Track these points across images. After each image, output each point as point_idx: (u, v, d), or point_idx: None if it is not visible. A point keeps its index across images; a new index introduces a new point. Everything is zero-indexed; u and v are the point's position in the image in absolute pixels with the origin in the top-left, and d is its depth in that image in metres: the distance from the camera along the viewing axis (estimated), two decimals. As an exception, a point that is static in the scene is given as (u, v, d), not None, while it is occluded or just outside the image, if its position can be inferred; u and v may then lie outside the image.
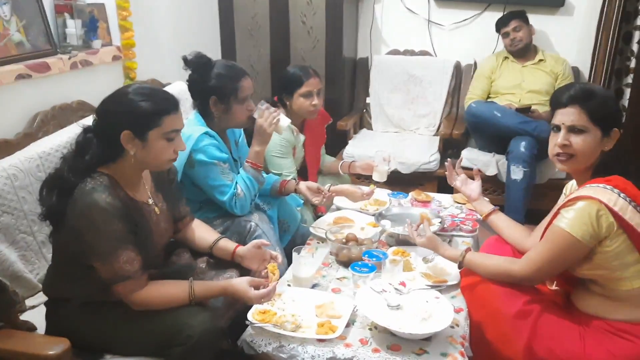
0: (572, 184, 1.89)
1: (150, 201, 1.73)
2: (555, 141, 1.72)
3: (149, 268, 1.63)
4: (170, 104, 1.62)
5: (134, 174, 1.66)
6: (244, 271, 1.88)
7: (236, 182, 2.18)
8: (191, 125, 2.19)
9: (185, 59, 2.19)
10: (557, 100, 1.74)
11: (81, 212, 1.51)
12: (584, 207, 1.59)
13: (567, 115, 1.70)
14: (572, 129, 1.69)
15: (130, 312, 1.60)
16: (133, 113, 1.56)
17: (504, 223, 2.08)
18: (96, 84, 2.61)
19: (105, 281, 1.56)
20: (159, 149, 1.60)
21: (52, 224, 1.61)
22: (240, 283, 1.67)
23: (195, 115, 2.26)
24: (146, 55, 3.06)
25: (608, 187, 1.60)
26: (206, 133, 2.15)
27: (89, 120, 2.19)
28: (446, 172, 2.29)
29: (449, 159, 2.36)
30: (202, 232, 1.94)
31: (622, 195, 1.58)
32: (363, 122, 4.23)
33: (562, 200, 1.86)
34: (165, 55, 3.29)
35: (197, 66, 2.20)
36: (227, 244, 1.90)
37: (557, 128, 1.72)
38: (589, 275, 1.67)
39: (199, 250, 1.92)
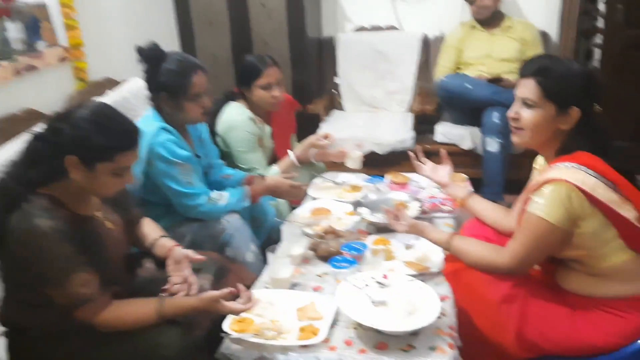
0: (540, 157, 1.84)
1: (100, 215, 1.62)
2: None
3: (110, 285, 1.54)
4: (128, 140, 1.48)
5: (79, 193, 1.54)
6: (218, 277, 1.79)
7: (206, 190, 2.10)
8: (146, 121, 2.09)
9: (139, 50, 2.08)
10: (521, 70, 1.71)
11: (23, 241, 1.39)
12: (554, 190, 1.54)
13: (522, 87, 1.67)
14: (524, 101, 1.66)
15: (99, 336, 1.50)
16: (85, 142, 1.42)
17: (480, 206, 2.03)
18: (44, 90, 2.48)
19: (63, 307, 1.46)
20: (105, 183, 1.49)
21: None
22: (212, 299, 1.56)
23: (150, 111, 2.16)
24: (97, 54, 2.91)
25: (575, 165, 1.56)
26: (163, 128, 2.05)
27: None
28: (415, 161, 2.25)
29: (410, 152, 2.30)
30: (147, 229, 1.83)
31: (590, 172, 1.54)
32: (334, 104, 4.15)
33: (533, 175, 1.82)
34: (118, 51, 3.13)
35: (149, 59, 2.10)
36: (166, 242, 1.78)
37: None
38: (570, 256, 1.64)
39: (143, 251, 1.81)
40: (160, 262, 1.79)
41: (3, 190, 1.45)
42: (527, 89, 1.65)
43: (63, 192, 1.49)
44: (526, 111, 1.65)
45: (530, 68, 1.66)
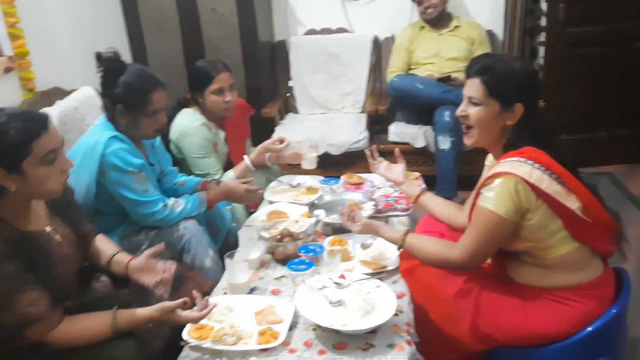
0: (491, 155, 1.89)
1: (48, 229, 1.57)
2: None
3: (62, 300, 1.50)
4: (36, 125, 1.42)
5: (20, 207, 1.50)
6: (176, 286, 1.77)
7: (161, 197, 2.08)
8: (97, 130, 2.05)
9: (97, 56, 2.01)
10: (466, 70, 1.76)
11: None
12: (502, 183, 1.59)
13: (469, 86, 1.73)
14: (470, 100, 1.72)
15: (50, 354, 1.46)
16: None
17: (433, 203, 2.08)
18: (-9, 100, 2.40)
19: (12, 328, 1.41)
20: (42, 177, 1.44)
21: None
22: (166, 309, 1.53)
23: (101, 119, 2.11)
24: (44, 63, 2.84)
25: (522, 159, 1.60)
26: (115, 137, 2.01)
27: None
28: (369, 160, 2.28)
29: (365, 150, 2.33)
30: (103, 246, 1.79)
31: (536, 165, 1.59)
32: (288, 107, 4.16)
33: (484, 172, 1.87)
34: (66, 60, 3.06)
35: (107, 69, 2.03)
36: (122, 258, 1.75)
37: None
38: (519, 248, 1.69)
39: (100, 268, 1.78)
40: (116, 278, 1.77)
41: None
42: (473, 88, 1.70)
43: (5, 210, 1.45)
44: (473, 109, 1.71)
45: (474, 68, 1.72)
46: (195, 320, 1.55)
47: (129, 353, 1.46)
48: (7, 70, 2.58)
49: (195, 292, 1.59)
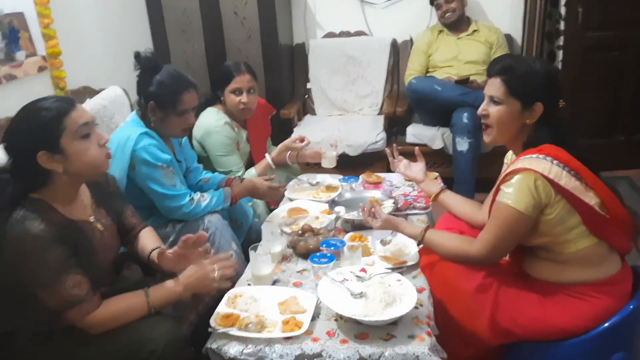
0: (510, 152, 1.92)
1: (92, 219, 1.65)
2: None
3: (98, 287, 1.57)
4: (64, 104, 1.51)
5: (69, 192, 1.58)
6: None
7: (188, 191, 2.14)
8: (128, 127, 2.13)
9: (136, 55, 2.11)
10: (487, 70, 1.80)
11: (15, 244, 1.43)
12: (521, 179, 1.61)
13: (490, 86, 1.76)
14: (491, 99, 1.75)
15: (87, 335, 1.53)
16: (34, 132, 1.46)
17: (453, 200, 2.11)
18: (24, 98, 2.41)
19: (54, 309, 1.48)
20: (82, 152, 1.51)
21: None
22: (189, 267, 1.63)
23: (133, 116, 2.19)
24: (75, 63, 2.93)
25: (541, 156, 1.63)
26: (145, 133, 2.09)
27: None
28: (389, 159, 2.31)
29: (386, 149, 2.37)
30: (145, 241, 1.85)
31: (555, 162, 1.61)
32: (306, 108, 4.20)
33: (503, 169, 1.88)
34: (95, 60, 3.15)
35: (144, 67, 2.13)
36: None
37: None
38: (537, 244, 1.71)
39: (143, 263, 1.84)
40: (147, 266, 1.83)
41: None
42: (494, 87, 1.74)
43: (53, 197, 1.53)
44: (494, 108, 1.74)
45: (495, 67, 1.75)
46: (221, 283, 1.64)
47: (164, 334, 1.52)
48: (41, 69, 2.67)
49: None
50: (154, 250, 1.79)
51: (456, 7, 3.62)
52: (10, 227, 1.43)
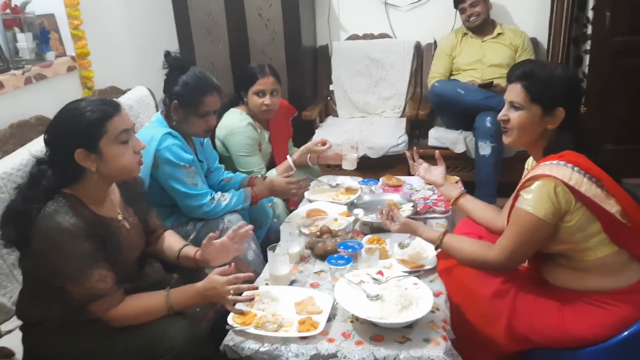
0: (531, 158, 1.91)
1: (120, 217, 1.70)
2: None
3: (122, 282, 1.61)
4: (109, 107, 1.56)
5: (99, 191, 1.63)
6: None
7: (209, 190, 2.17)
8: (152, 126, 2.17)
9: (166, 54, 2.17)
10: (508, 75, 1.80)
11: (45, 236, 1.48)
12: (541, 186, 1.61)
13: (510, 91, 1.76)
14: (512, 104, 1.75)
15: (109, 329, 1.58)
16: (76, 130, 1.52)
17: (472, 205, 2.10)
18: (53, 97, 2.55)
19: (79, 301, 1.53)
20: (117, 156, 1.57)
21: (18, 249, 1.58)
22: (210, 279, 1.65)
23: (157, 116, 2.23)
24: (103, 63, 3.00)
25: (561, 162, 1.62)
26: (169, 133, 2.13)
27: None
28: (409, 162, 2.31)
29: (406, 152, 2.37)
30: (170, 242, 1.90)
31: (575, 169, 1.60)
32: (328, 110, 4.22)
33: (524, 175, 1.87)
34: (123, 60, 3.22)
35: (172, 67, 2.18)
36: (189, 251, 1.85)
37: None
38: (556, 250, 1.70)
39: (169, 263, 1.89)
40: (167, 264, 1.88)
41: (16, 211, 1.53)
42: (514, 92, 1.73)
43: (84, 193, 1.58)
44: (514, 113, 1.74)
45: (515, 73, 1.75)
46: (238, 302, 1.64)
47: (182, 332, 1.55)
48: (70, 69, 2.73)
49: (242, 283, 1.68)
50: (184, 246, 1.85)
51: (481, 11, 3.61)
52: (42, 219, 1.48)
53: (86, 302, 1.53)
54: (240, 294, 1.65)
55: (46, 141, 1.58)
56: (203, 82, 2.17)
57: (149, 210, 1.88)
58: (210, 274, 1.67)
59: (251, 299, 1.67)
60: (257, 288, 1.72)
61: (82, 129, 1.52)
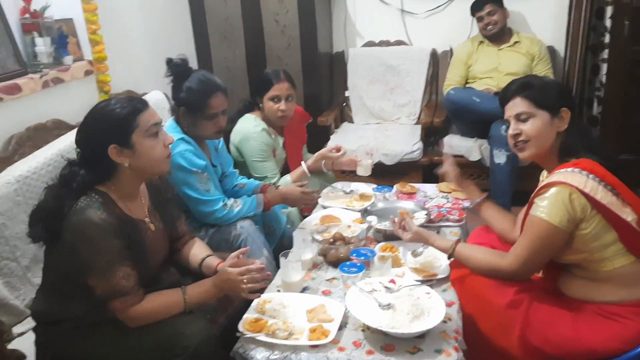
0: (545, 171, 1.89)
1: (147, 219, 1.73)
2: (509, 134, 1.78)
3: (143, 285, 1.63)
4: (138, 103, 1.62)
5: (130, 189, 1.67)
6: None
7: (221, 196, 2.18)
8: (166, 131, 2.18)
9: (168, 62, 2.18)
10: (502, 97, 1.80)
11: (76, 229, 1.51)
12: (556, 193, 1.59)
13: (512, 107, 1.76)
14: (519, 118, 1.74)
15: (124, 328, 1.60)
16: (108, 126, 1.56)
17: (492, 213, 2.08)
18: (70, 101, 2.58)
19: (101, 298, 1.56)
20: (149, 149, 1.61)
21: (46, 244, 1.61)
22: (223, 271, 1.68)
23: (171, 122, 2.25)
24: (120, 67, 3.02)
25: (576, 170, 1.61)
26: (182, 139, 2.14)
27: (63, 141, 2.18)
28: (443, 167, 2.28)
29: (445, 153, 2.38)
30: (195, 250, 1.92)
31: (591, 176, 1.59)
32: (344, 116, 4.22)
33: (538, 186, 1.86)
34: (139, 65, 3.25)
35: (174, 74, 2.19)
36: (212, 262, 1.86)
37: (508, 122, 1.79)
38: (571, 260, 1.68)
39: (192, 271, 1.90)
40: (184, 270, 1.90)
41: (45, 210, 1.56)
42: (518, 106, 1.74)
43: (116, 192, 1.62)
44: (525, 124, 1.73)
45: (511, 89, 1.77)
46: (252, 290, 1.67)
47: (199, 332, 1.58)
48: (87, 73, 2.76)
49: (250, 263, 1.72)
50: (208, 256, 1.88)
51: (498, 19, 3.59)
52: (74, 213, 1.52)
53: (108, 299, 1.56)
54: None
55: (78, 141, 1.62)
56: (206, 84, 2.18)
57: (178, 216, 1.91)
58: (223, 267, 1.70)
59: (264, 287, 1.70)
60: (269, 275, 1.75)
61: (114, 125, 1.56)
